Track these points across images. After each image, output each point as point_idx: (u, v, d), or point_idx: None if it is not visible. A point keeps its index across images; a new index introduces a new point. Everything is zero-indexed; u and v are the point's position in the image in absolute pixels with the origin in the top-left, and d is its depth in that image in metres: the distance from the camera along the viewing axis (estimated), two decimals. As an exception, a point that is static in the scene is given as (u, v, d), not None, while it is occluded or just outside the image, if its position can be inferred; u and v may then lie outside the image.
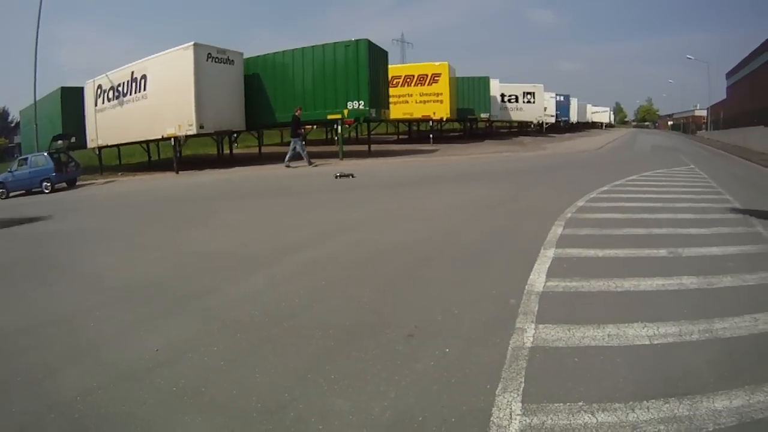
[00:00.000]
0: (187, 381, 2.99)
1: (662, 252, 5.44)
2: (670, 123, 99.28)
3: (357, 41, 20.21)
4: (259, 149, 26.70)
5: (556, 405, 2.58)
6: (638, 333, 3.43)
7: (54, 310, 4.55)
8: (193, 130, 20.18)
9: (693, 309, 3.84)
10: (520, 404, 2.59)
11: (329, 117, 20.61)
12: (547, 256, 5.29)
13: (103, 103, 24.83)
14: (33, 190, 20.56)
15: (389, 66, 30.43)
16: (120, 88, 23.66)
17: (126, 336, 3.79)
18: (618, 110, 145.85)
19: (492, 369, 2.96)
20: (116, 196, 15.98)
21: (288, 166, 18.78)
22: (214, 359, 3.27)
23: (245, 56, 22.67)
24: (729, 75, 51.38)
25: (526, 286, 4.36)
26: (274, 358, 3.23)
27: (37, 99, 27.69)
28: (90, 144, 26.01)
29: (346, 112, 20.03)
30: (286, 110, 21.40)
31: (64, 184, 20.93)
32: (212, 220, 9.14)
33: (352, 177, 13.87)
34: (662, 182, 11.71)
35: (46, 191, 19.97)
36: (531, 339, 3.35)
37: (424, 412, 2.55)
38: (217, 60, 20.92)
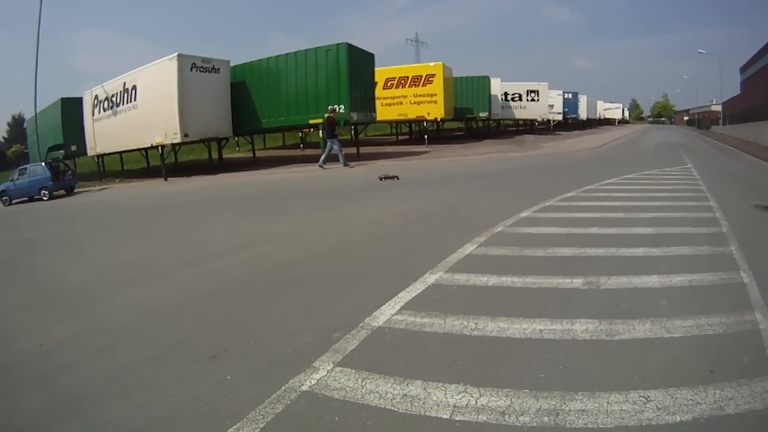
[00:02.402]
0: (41, 369, 3.58)
1: (576, 282, 4.50)
2: (685, 118, 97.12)
3: (338, 45, 20.22)
4: (253, 153, 26.93)
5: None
6: (444, 400, 2.69)
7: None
8: (177, 139, 20.58)
9: (560, 374, 2.90)
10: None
11: (311, 121, 20.71)
12: (426, 281, 4.73)
13: (100, 113, 25.55)
14: (34, 197, 21.55)
15: (386, 68, 30.59)
16: (114, 99, 24.30)
17: (27, 332, 4.46)
18: (634, 106, 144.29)
19: (247, 406, 2.76)
20: (100, 204, 16.70)
21: (322, 167, 18.76)
22: (67, 357, 3.76)
23: (252, 59, 23.18)
24: (743, 69, 49.63)
25: (367, 319, 3.88)
26: (101, 360, 3.63)
27: (40, 110, 28.67)
28: (89, 152, 26.90)
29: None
30: (271, 116, 21.76)
31: (62, 191, 21.92)
32: (161, 229, 9.78)
33: (397, 179, 13.61)
34: (642, 186, 10.62)
35: (45, 198, 21.12)
36: (313, 383, 2.97)
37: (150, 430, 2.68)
38: (201, 69, 21.22)
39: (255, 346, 3.61)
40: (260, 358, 3.38)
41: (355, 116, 20.07)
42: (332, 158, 18.75)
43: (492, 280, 4.71)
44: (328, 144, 18.83)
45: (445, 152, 24.52)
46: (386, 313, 3.99)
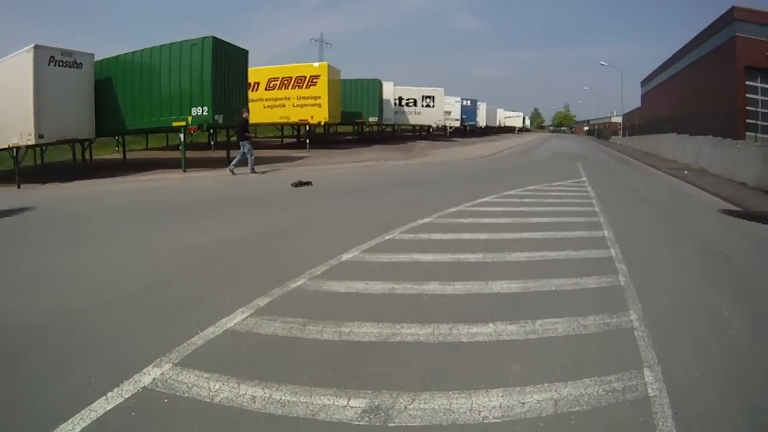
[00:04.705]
0: None
1: (352, 408, 2.95)
2: (585, 128, 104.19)
3: (203, 39, 19.26)
4: (123, 156, 25.83)
5: None
6: None
7: None
8: (32, 141, 19.13)
9: None
10: None
11: (174, 124, 19.85)
12: (150, 374, 3.39)
13: (-39, 107, 23.48)
14: None
15: (268, 67, 30.09)
16: (-25, 93, 22.41)
17: None
18: (536, 115, 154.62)
19: None
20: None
21: (233, 172, 18.27)
22: None
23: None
24: (643, 83, 53.95)
25: (84, 412, 2.97)
26: None
27: None
28: (-51, 151, 24.61)
29: (190, 119, 19.33)
30: (134, 116, 20.74)
31: None
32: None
33: (311, 185, 14.34)
34: (522, 209, 9.27)
35: None
36: None
37: None
38: (61, 63, 19.84)
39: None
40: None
41: (220, 119, 19.47)
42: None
43: (220, 393, 3.13)
44: (241, 147, 18.60)
45: (324, 159, 24.72)
46: (94, 415, 2.96)
